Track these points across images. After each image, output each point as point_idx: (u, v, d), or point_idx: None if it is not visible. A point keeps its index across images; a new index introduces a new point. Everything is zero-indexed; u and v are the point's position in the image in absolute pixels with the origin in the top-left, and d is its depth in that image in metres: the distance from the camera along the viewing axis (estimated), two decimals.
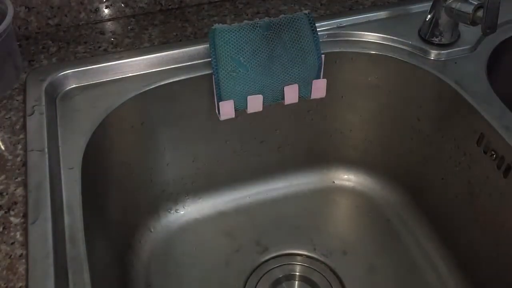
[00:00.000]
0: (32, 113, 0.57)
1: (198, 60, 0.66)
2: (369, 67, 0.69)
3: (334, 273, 0.70)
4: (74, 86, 0.63)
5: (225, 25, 0.60)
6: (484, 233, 0.62)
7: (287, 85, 0.62)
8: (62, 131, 0.57)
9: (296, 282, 0.70)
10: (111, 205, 0.65)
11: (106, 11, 0.71)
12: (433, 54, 0.66)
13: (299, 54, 0.61)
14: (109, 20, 0.72)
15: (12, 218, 0.48)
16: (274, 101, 0.64)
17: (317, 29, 0.62)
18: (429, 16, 0.66)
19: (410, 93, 0.69)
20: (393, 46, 0.68)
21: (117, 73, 0.64)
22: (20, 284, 0.43)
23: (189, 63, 0.66)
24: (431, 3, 0.65)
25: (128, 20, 0.72)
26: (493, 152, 0.58)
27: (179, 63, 0.65)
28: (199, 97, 0.66)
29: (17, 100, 0.60)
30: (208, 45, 0.61)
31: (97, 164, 0.59)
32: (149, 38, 0.68)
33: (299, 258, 0.72)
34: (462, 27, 0.67)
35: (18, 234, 0.47)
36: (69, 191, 0.51)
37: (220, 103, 0.61)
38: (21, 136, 0.55)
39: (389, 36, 0.69)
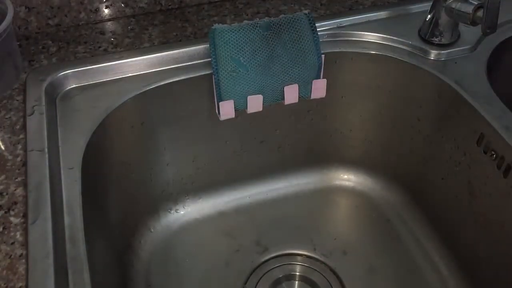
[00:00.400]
0: (32, 113, 0.57)
1: (198, 60, 0.66)
2: (369, 67, 0.69)
3: (334, 273, 0.70)
4: (74, 86, 0.63)
5: (225, 25, 0.60)
6: (484, 233, 0.62)
7: (287, 85, 0.62)
8: (62, 131, 0.57)
9: (296, 282, 0.70)
10: (111, 205, 0.65)
11: (106, 11, 0.71)
12: (433, 54, 0.66)
13: (299, 54, 0.61)
14: (109, 20, 0.72)
15: (12, 218, 0.48)
16: (274, 101, 0.64)
17: (317, 29, 0.62)
18: (429, 16, 0.66)
19: (410, 93, 0.69)
20: (393, 46, 0.68)
21: (117, 73, 0.64)
22: (20, 284, 0.43)
23: (189, 63, 0.66)
24: (431, 3, 0.65)
25: (128, 20, 0.72)
26: (493, 152, 0.58)
27: (179, 63, 0.65)
28: (199, 97, 0.66)
29: (17, 100, 0.60)
30: (208, 45, 0.61)
31: (97, 164, 0.59)
32: (149, 38, 0.68)
33: (299, 258, 0.72)
34: (462, 27, 0.67)
35: (18, 234, 0.47)
36: (69, 191, 0.51)
37: (220, 103, 0.61)
38: (21, 136, 0.55)
39: (389, 36, 0.69)
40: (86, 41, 0.68)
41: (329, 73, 0.66)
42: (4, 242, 0.46)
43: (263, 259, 0.71)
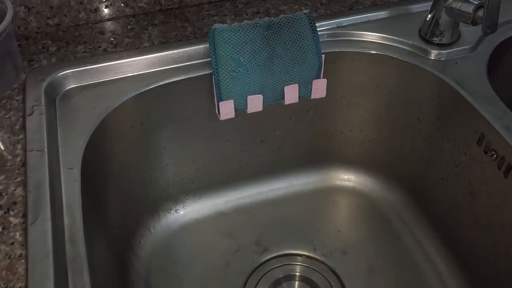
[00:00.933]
0: (32, 113, 0.57)
1: (197, 60, 0.66)
2: (369, 67, 0.69)
3: (334, 273, 0.70)
4: (74, 86, 0.63)
5: (225, 25, 0.60)
6: (484, 233, 0.62)
7: (287, 85, 0.62)
8: (61, 131, 0.57)
9: (296, 282, 0.70)
10: (111, 205, 0.64)
11: (106, 11, 0.71)
12: (433, 54, 0.66)
13: (299, 54, 0.61)
14: (109, 20, 0.72)
15: (11, 218, 0.48)
16: (274, 101, 0.64)
17: (317, 29, 0.62)
18: (429, 15, 0.66)
19: (410, 93, 0.69)
20: (393, 46, 0.68)
21: (116, 73, 0.64)
22: (20, 285, 0.43)
23: (189, 63, 0.65)
24: (431, 3, 0.65)
25: (128, 20, 0.72)
26: (493, 152, 0.58)
27: (178, 63, 0.65)
28: (199, 97, 0.66)
29: (16, 100, 0.60)
30: (208, 45, 0.61)
31: (97, 164, 0.59)
32: (149, 38, 0.68)
33: (299, 258, 0.72)
34: (462, 27, 0.67)
35: (17, 234, 0.47)
36: (69, 191, 0.51)
37: (220, 103, 0.61)
38: (21, 136, 0.55)
39: (389, 36, 0.69)
40: (86, 41, 0.68)
41: (329, 73, 0.66)
42: (4, 242, 0.46)
43: (263, 259, 0.71)
